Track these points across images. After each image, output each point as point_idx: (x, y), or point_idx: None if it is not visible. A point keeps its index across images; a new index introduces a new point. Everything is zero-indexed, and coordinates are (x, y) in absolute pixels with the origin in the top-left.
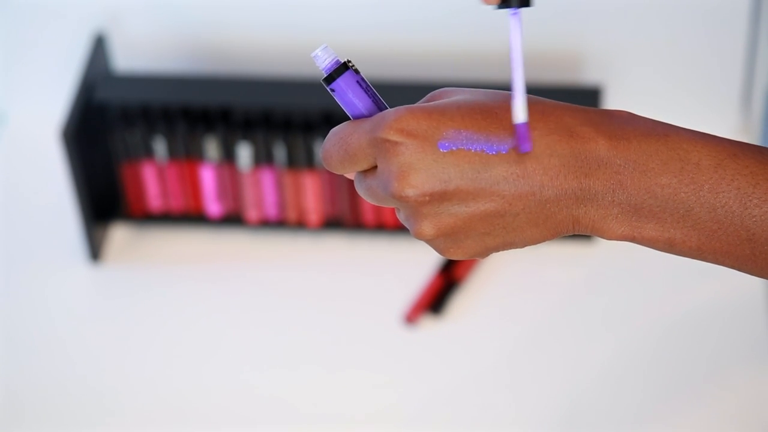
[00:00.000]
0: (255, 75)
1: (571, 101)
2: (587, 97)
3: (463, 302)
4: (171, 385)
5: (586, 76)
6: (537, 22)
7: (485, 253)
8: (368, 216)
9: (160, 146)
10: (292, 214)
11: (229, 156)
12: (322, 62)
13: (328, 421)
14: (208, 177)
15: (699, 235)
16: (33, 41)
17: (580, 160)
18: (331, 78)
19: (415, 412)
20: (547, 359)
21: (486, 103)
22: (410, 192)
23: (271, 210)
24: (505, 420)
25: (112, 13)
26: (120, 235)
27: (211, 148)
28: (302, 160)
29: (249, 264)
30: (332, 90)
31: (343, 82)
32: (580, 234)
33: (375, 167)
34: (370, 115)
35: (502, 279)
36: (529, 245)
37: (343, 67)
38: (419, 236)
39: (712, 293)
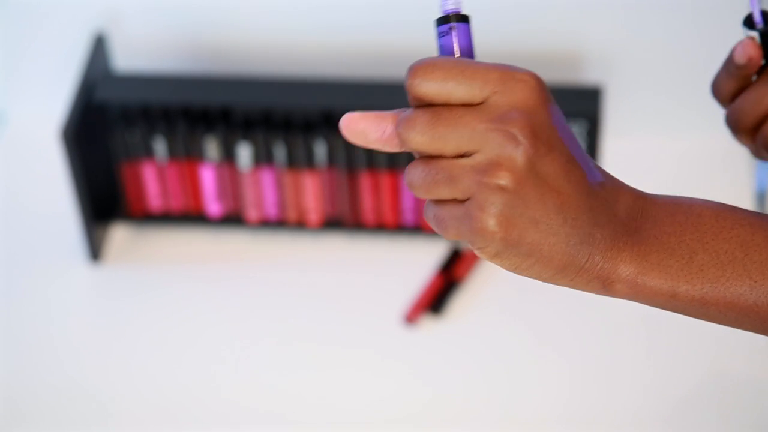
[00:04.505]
0: (255, 75)
1: (571, 101)
2: (587, 97)
3: (463, 302)
4: (171, 385)
5: (586, 76)
6: (537, 22)
7: (514, 244)
8: (368, 216)
9: (160, 146)
10: (292, 214)
11: (229, 156)
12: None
13: (327, 421)
14: (208, 177)
15: (703, 283)
16: (33, 41)
17: (612, 201)
18: (453, 19)
19: (415, 412)
20: (546, 359)
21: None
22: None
23: (271, 210)
24: (506, 420)
25: (112, 13)
26: (120, 235)
27: (211, 148)
28: (302, 160)
29: (249, 264)
30: (448, 30)
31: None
32: (578, 284)
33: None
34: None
35: (502, 279)
36: (537, 269)
37: (464, 17)
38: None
39: None
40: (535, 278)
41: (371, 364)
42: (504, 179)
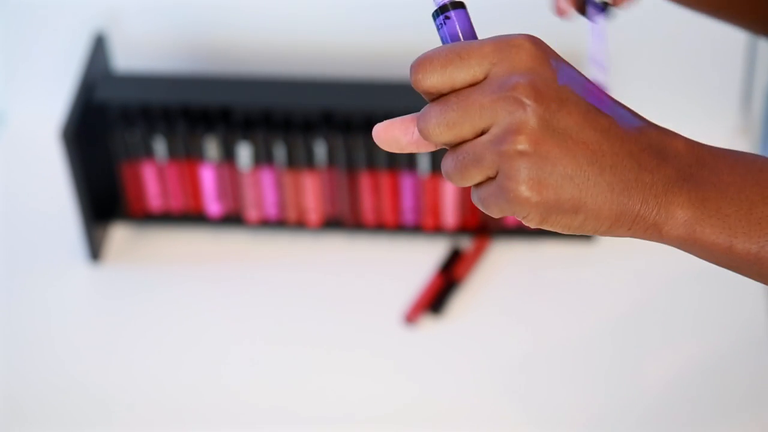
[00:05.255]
0: (255, 75)
1: None
2: None
3: (463, 302)
4: (170, 385)
5: (586, 75)
6: (537, 22)
7: (555, 205)
8: (368, 216)
9: (160, 146)
10: (292, 214)
11: (229, 156)
12: None
13: (327, 421)
14: (208, 177)
15: (760, 237)
16: (33, 41)
17: (661, 146)
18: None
19: (415, 413)
20: (546, 359)
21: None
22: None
23: (271, 210)
24: (505, 420)
25: (112, 13)
26: (120, 235)
27: (211, 148)
28: (302, 160)
29: (249, 264)
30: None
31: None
32: (636, 232)
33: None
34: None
35: (502, 279)
36: (590, 224)
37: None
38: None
39: (712, 294)
40: (595, 234)
41: (371, 363)
42: (522, 143)
